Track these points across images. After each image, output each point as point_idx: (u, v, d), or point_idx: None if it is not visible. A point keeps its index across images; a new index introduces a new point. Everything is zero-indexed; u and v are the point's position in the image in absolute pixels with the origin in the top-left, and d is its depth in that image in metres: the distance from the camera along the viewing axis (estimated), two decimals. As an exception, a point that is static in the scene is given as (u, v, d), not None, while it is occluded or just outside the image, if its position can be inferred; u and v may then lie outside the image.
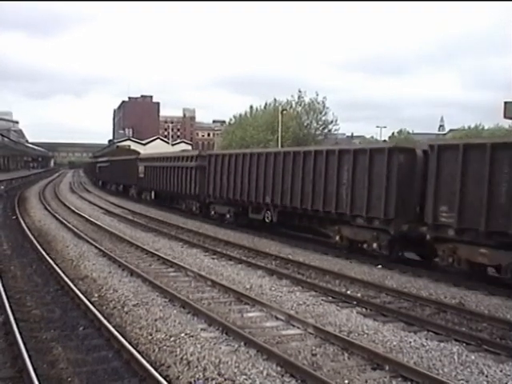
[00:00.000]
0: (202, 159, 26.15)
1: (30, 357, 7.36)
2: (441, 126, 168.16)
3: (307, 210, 18.07)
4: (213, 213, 25.16)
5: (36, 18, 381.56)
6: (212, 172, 24.56)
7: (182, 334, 8.73)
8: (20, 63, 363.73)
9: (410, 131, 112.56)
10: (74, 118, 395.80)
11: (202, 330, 9.07)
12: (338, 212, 16.59)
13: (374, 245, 15.55)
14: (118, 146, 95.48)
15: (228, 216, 23.68)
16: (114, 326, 8.96)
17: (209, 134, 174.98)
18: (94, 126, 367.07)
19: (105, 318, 9.42)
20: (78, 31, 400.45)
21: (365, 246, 16.07)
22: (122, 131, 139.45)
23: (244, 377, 7.05)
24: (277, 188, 19.57)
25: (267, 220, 20.66)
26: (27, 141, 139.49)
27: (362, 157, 15.94)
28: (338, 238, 16.94)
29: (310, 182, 17.74)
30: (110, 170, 51.26)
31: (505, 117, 24.77)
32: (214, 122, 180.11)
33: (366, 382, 7.14)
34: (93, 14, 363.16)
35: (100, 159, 67.82)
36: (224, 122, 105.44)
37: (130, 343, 8.12)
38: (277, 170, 19.63)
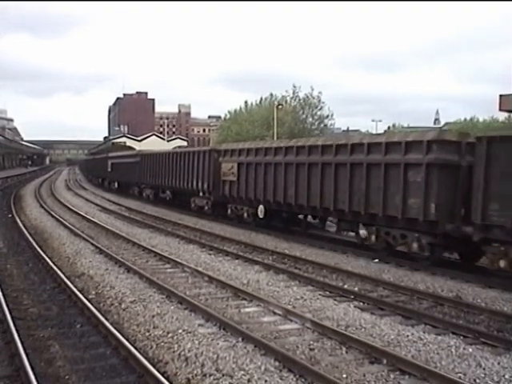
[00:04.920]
0: (453, 149, 13.94)
1: (27, 355, 7.34)
2: (436, 119, 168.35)
3: None
4: (505, 264, 12.16)
5: (38, 19, 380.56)
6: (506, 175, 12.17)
7: (180, 330, 8.72)
8: (21, 63, 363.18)
9: (405, 125, 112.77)
10: (69, 115, 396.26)
11: (199, 325, 9.07)
12: None
13: None
14: (113, 143, 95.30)
15: None
16: (111, 323, 8.95)
17: (204, 130, 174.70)
18: (89, 124, 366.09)
19: (102, 315, 9.40)
20: (76, 31, 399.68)
21: None
22: (117, 128, 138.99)
23: (242, 372, 7.04)
24: None
25: None
26: (22, 139, 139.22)
27: None
28: None
29: None
30: (140, 169, 37.01)
31: (500, 109, 24.89)
32: (209, 117, 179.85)
33: (364, 375, 7.15)
34: (90, 13, 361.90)
35: (114, 153, 51.50)
36: (219, 117, 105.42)
37: (127, 340, 8.11)
38: None
